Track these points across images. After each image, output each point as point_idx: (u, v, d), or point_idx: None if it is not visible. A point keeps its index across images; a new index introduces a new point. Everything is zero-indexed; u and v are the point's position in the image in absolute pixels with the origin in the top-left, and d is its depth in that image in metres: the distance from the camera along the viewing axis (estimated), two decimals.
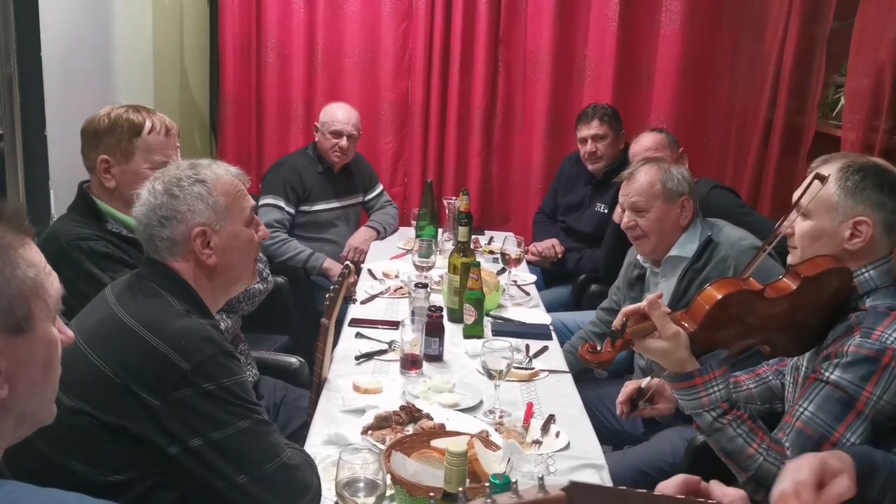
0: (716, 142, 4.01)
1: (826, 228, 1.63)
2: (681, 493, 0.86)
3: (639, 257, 2.60)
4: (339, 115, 3.65)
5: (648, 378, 1.99)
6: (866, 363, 1.50)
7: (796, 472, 1.05)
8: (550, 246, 3.68)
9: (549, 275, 3.74)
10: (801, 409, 1.57)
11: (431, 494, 0.79)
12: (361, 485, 1.32)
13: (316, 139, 3.73)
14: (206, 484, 1.43)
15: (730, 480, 1.77)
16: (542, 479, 0.74)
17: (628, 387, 2.03)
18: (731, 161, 3.86)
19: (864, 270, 1.62)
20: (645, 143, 3.20)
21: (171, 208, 1.53)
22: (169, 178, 1.56)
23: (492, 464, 1.49)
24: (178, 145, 2.08)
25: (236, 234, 1.60)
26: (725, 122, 3.97)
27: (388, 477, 1.45)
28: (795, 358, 1.79)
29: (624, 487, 0.82)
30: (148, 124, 2.01)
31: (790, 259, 1.71)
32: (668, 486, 0.87)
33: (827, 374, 1.55)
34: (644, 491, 0.83)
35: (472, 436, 1.61)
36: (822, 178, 1.63)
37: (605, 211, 3.54)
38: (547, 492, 0.73)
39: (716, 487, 0.86)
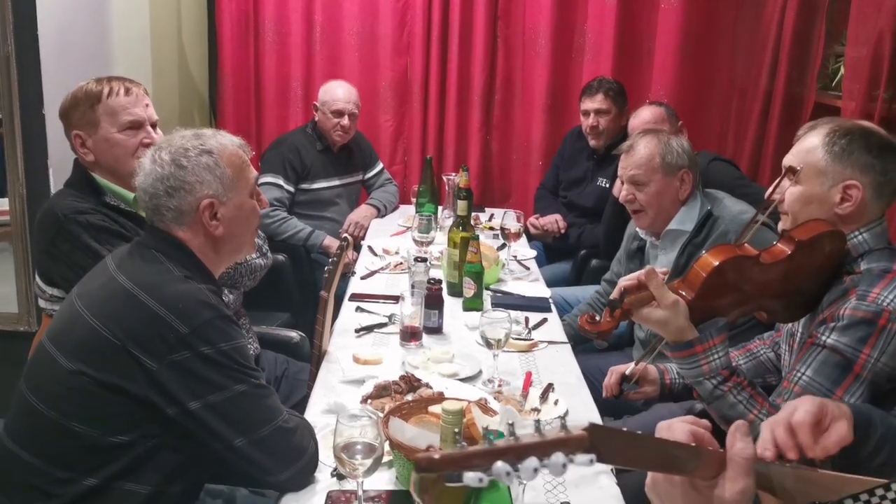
0: (716, 115, 4.00)
1: (816, 194, 1.63)
2: (689, 441, 0.88)
3: (638, 229, 2.60)
4: (339, 93, 3.64)
5: (633, 364, 2.00)
6: (863, 326, 1.51)
7: (793, 412, 1.05)
8: (553, 221, 3.68)
9: (550, 250, 3.75)
10: (798, 374, 1.58)
11: (430, 447, 0.79)
12: (359, 447, 1.33)
13: (316, 118, 3.73)
14: (206, 446, 1.45)
15: None
16: (563, 417, 0.75)
17: (614, 373, 2.05)
18: (732, 133, 3.85)
19: (857, 233, 1.62)
20: (644, 116, 3.19)
21: (179, 178, 1.53)
22: (175, 147, 1.55)
23: None
24: (147, 102, 2.07)
25: (242, 205, 1.61)
26: (726, 94, 3.95)
27: (387, 442, 1.47)
28: (790, 325, 1.79)
29: (641, 433, 0.84)
30: (105, 89, 2.00)
31: (782, 225, 1.71)
32: (675, 431, 0.90)
33: (824, 338, 1.55)
34: (661, 438, 0.85)
35: (470, 402, 1.62)
36: (795, 171, 1.64)
37: (607, 185, 3.53)
38: (569, 431, 0.74)
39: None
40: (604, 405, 2.09)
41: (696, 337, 1.59)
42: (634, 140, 2.48)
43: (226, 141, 1.60)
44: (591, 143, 3.63)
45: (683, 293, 1.60)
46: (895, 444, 1.10)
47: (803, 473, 0.94)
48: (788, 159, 1.69)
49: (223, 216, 1.57)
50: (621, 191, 2.52)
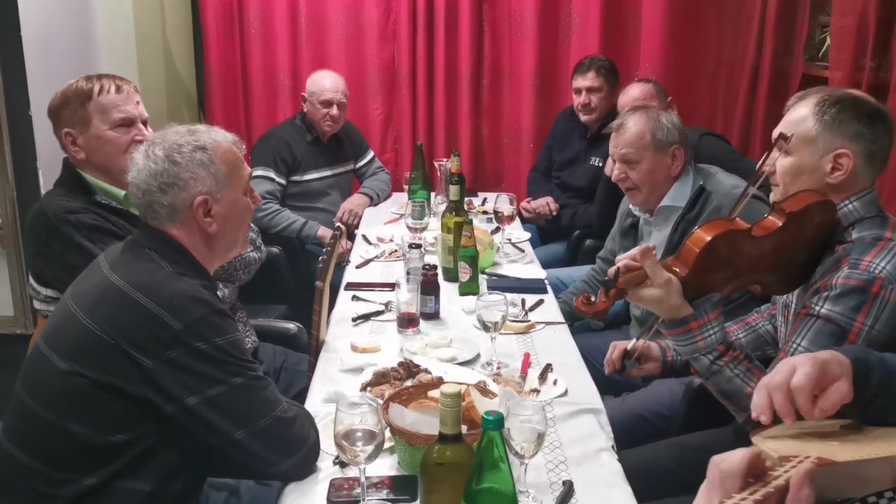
0: (705, 90, 4.00)
1: (807, 164, 1.63)
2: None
3: (631, 206, 2.60)
4: (326, 83, 3.63)
5: (634, 340, 2.00)
6: (856, 294, 1.51)
7: (791, 373, 1.05)
8: (545, 203, 3.68)
9: (544, 232, 3.76)
10: (794, 345, 1.59)
11: None
12: (360, 434, 1.34)
13: (305, 109, 3.72)
14: (206, 441, 1.45)
15: (727, 421, 1.81)
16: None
17: (615, 349, 2.05)
18: (721, 108, 3.86)
19: (847, 202, 1.62)
20: (633, 94, 3.19)
21: (172, 175, 1.51)
22: (169, 143, 1.53)
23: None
24: (137, 100, 2.06)
25: (236, 202, 1.59)
26: (714, 69, 3.96)
27: (388, 429, 1.47)
28: (785, 296, 1.80)
29: None
30: (96, 87, 1.99)
31: (773, 196, 1.71)
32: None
33: (817, 307, 1.56)
34: None
35: (469, 385, 1.62)
36: (786, 138, 1.64)
37: (600, 165, 3.52)
38: None
39: None
40: (603, 384, 2.10)
41: (690, 313, 1.59)
42: (624, 118, 2.47)
43: (220, 137, 1.59)
44: (583, 118, 3.64)
45: (677, 270, 1.60)
46: (891, 391, 1.10)
47: (824, 469, 0.91)
48: (779, 130, 1.69)
49: (217, 213, 1.56)
50: (613, 170, 2.52)
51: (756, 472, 0.89)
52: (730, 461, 0.90)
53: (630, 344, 2.00)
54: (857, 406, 1.06)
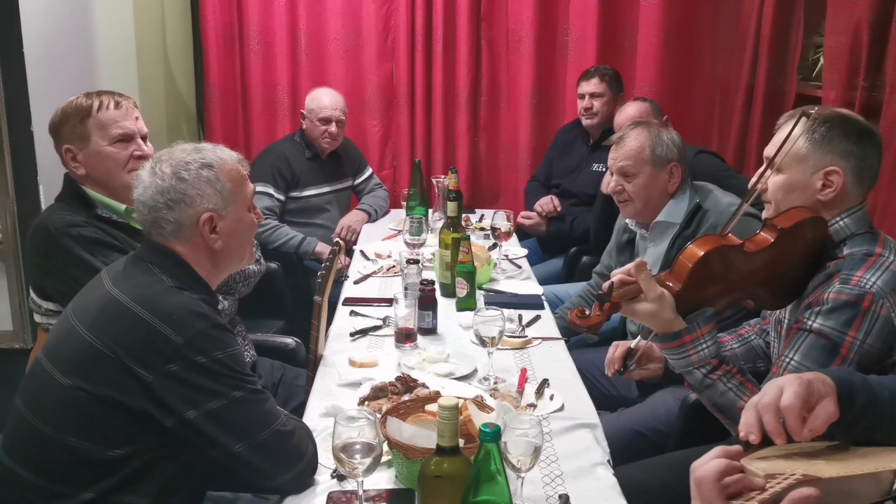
0: (700, 109, 4.04)
1: (798, 181, 1.66)
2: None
3: (626, 221, 2.62)
4: (325, 100, 3.66)
5: (637, 339, 2.01)
6: (847, 308, 1.53)
7: (780, 394, 1.06)
8: (549, 200, 3.71)
9: (545, 244, 3.77)
10: (787, 359, 1.60)
11: None
12: (358, 447, 1.35)
13: (304, 126, 3.75)
14: (205, 454, 1.46)
15: (722, 436, 1.82)
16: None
17: (617, 348, 2.05)
18: (716, 127, 3.89)
19: (838, 219, 1.64)
20: (629, 112, 3.22)
21: (179, 191, 1.53)
22: (176, 160, 1.55)
23: None
24: (137, 115, 2.08)
25: (240, 219, 1.62)
26: (709, 88, 4.00)
27: (385, 442, 1.48)
28: (777, 312, 1.82)
29: None
30: (95, 103, 2.02)
31: (765, 213, 1.73)
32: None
33: (810, 322, 1.58)
34: None
35: (466, 399, 1.63)
36: (809, 115, 1.65)
37: (602, 170, 3.53)
38: None
39: None
40: (599, 399, 2.11)
41: (683, 327, 1.61)
42: (625, 132, 2.50)
43: (225, 155, 1.61)
44: (585, 122, 3.70)
45: (670, 284, 1.62)
46: (875, 411, 1.12)
47: (811, 484, 0.93)
48: (770, 149, 1.71)
49: (222, 230, 1.58)
50: (610, 182, 2.54)
51: (737, 486, 0.91)
52: (703, 468, 0.92)
53: (633, 343, 2.01)
54: (843, 426, 1.08)
